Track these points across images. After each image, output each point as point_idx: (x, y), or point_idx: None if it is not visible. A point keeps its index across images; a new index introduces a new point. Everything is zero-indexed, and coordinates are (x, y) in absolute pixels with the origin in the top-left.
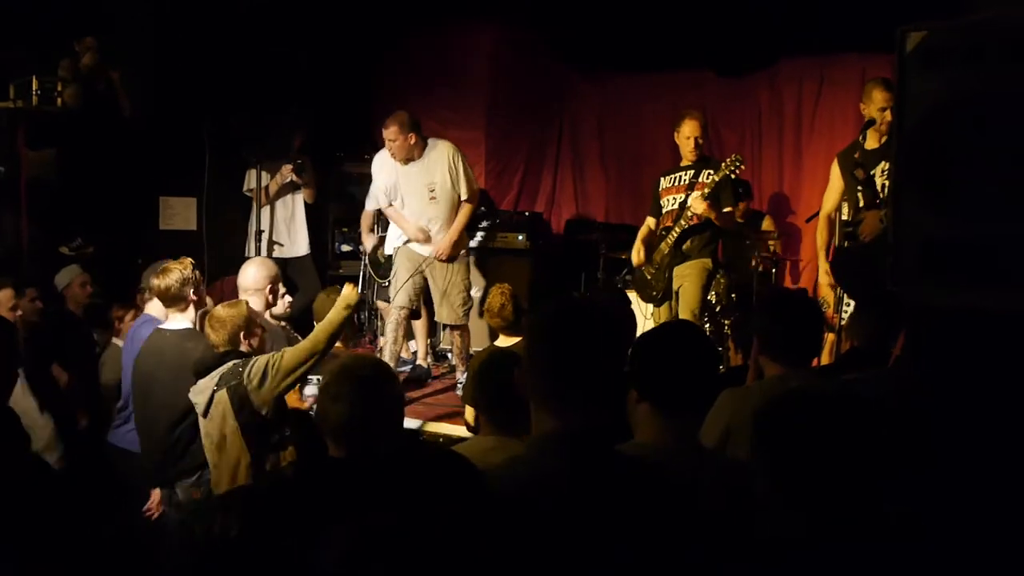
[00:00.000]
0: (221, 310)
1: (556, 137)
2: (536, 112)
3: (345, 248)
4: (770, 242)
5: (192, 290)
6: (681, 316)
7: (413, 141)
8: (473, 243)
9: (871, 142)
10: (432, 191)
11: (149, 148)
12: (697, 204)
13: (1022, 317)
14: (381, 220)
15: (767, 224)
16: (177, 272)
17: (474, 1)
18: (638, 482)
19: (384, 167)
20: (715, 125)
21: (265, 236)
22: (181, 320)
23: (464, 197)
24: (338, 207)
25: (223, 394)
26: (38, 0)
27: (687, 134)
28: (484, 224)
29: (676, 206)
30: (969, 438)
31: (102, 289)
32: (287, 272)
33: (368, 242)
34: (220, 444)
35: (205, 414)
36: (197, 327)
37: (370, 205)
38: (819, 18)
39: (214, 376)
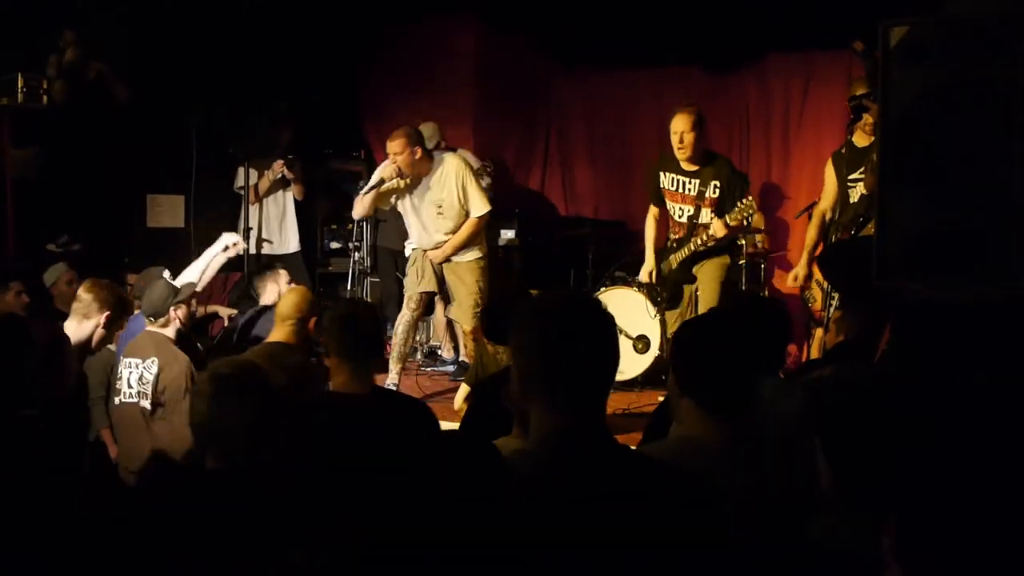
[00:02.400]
0: None
1: (544, 134)
2: (523, 109)
3: (334, 245)
4: (757, 238)
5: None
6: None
7: (419, 156)
8: None
9: (861, 140)
10: (439, 207)
11: (136, 145)
12: (719, 229)
13: (1004, 310)
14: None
15: (756, 220)
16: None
17: (458, 2)
18: (650, 479)
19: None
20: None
21: (254, 233)
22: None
23: (475, 214)
24: (327, 204)
25: None
26: None
27: (673, 129)
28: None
29: (685, 219)
30: (949, 431)
31: None
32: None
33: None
34: None
35: None
36: None
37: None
38: (805, 15)
39: None
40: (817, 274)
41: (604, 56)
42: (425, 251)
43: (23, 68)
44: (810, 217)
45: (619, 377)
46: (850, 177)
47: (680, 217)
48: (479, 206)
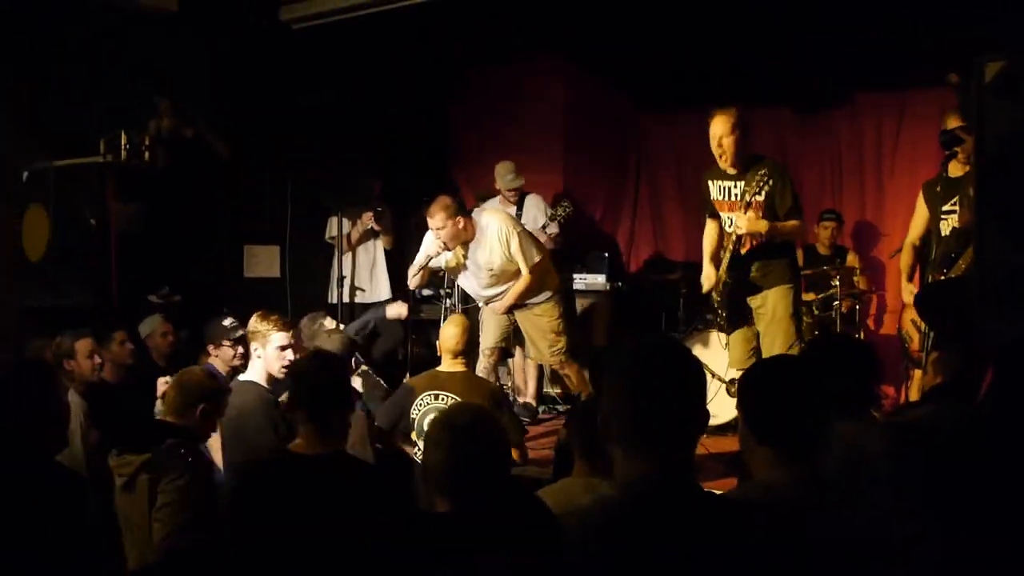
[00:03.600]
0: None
1: (634, 176)
2: (612, 152)
3: (426, 292)
4: (854, 278)
5: None
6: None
7: (462, 225)
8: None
9: (955, 170)
10: (491, 270)
11: (233, 198)
12: (740, 220)
13: None
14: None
15: (851, 260)
16: None
17: (546, 46)
18: (740, 525)
19: (431, 244)
20: (794, 162)
21: (347, 282)
22: None
23: (525, 272)
24: (418, 251)
25: None
26: (120, 60)
27: (711, 134)
28: (565, 266)
29: (732, 228)
30: None
31: (190, 337)
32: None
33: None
34: None
35: None
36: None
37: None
38: (897, 52)
39: None
40: (914, 314)
41: (693, 97)
42: (488, 304)
43: (126, 126)
44: None
45: (712, 421)
46: (943, 209)
47: (729, 227)
48: (528, 260)
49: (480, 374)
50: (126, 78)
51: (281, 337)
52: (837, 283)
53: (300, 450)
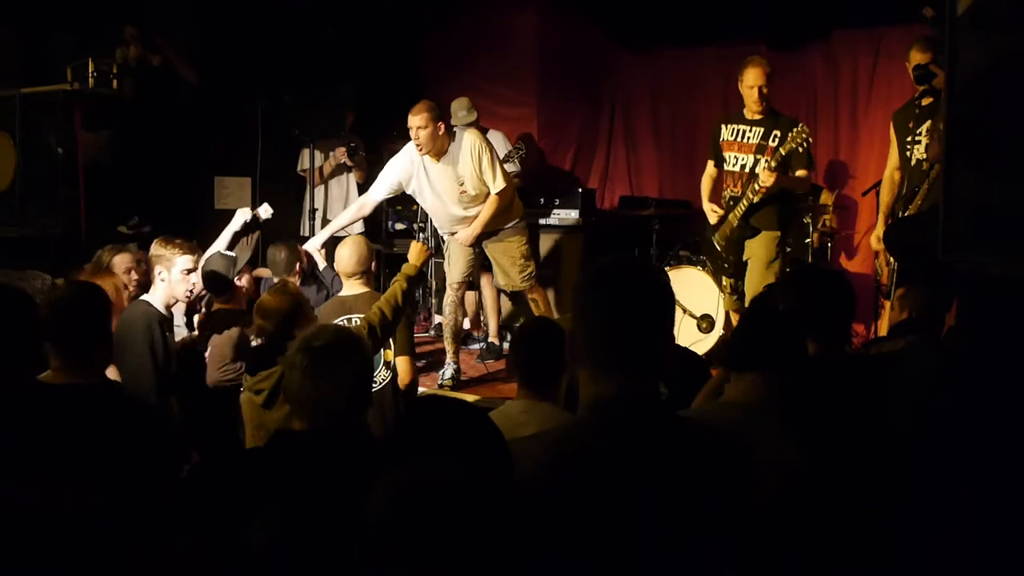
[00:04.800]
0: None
1: (609, 113)
2: (588, 88)
3: (399, 226)
4: (825, 216)
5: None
6: (748, 296)
7: (441, 131)
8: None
9: (925, 99)
10: (462, 183)
11: (203, 129)
12: (766, 178)
13: None
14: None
15: (824, 198)
16: None
17: None
18: (701, 446)
19: (404, 160)
20: (771, 100)
21: (319, 215)
22: None
23: (493, 191)
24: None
25: None
26: None
27: (750, 83)
28: (538, 201)
29: (739, 168)
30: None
31: None
32: None
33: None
34: None
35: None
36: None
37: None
38: None
39: None
40: (880, 244)
41: (669, 33)
42: (453, 234)
43: (94, 53)
44: (878, 193)
45: None
46: (907, 140)
47: (734, 166)
48: (497, 182)
49: (447, 308)
50: (94, 5)
51: (187, 260)
52: (809, 220)
53: (49, 380)
